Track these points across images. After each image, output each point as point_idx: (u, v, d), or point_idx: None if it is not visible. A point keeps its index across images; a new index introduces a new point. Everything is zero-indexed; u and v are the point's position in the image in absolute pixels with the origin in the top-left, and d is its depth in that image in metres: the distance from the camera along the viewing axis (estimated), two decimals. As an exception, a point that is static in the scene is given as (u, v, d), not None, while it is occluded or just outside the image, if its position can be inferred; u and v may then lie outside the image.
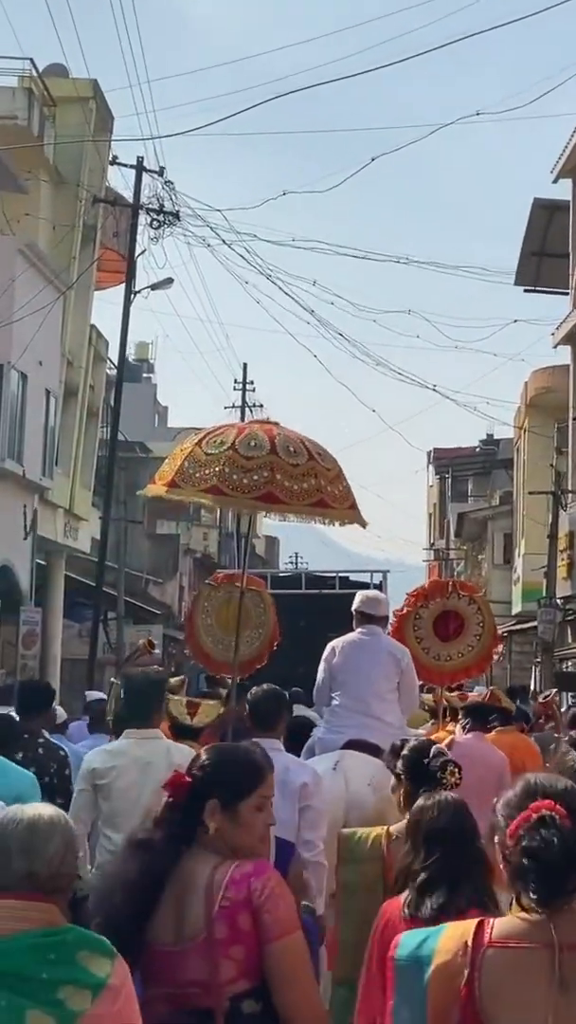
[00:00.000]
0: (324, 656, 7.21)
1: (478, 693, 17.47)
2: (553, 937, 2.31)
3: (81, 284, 23.08)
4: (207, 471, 6.31)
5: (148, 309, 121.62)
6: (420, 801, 3.62)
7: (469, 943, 2.36)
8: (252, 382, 40.47)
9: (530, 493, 25.14)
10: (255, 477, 6.28)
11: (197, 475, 6.33)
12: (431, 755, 4.12)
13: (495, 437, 49.06)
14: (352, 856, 4.28)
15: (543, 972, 2.31)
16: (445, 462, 48.24)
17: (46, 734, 6.64)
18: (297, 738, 6.88)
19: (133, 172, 18.94)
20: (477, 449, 49.04)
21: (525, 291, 29.48)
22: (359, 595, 7.49)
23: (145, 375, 61.37)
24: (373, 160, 15.18)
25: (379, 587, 11.78)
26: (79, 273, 22.30)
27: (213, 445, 6.38)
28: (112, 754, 5.31)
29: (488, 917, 2.51)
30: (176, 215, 17.71)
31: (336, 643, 7.20)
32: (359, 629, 7.21)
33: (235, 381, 40.75)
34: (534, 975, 2.32)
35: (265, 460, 6.30)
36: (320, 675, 7.25)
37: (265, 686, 5.69)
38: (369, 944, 3.49)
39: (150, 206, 17.77)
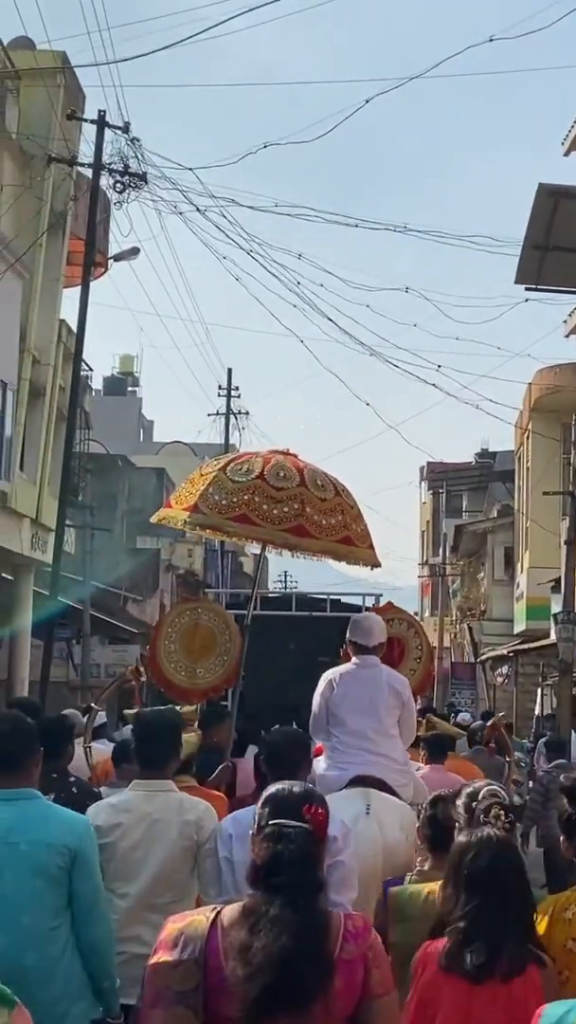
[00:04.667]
0: (320, 690, 6.79)
1: (469, 718, 16.09)
2: None
3: (49, 277, 21.42)
4: (235, 498, 6.36)
5: (125, 308, 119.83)
6: (461, 838, 3.50)
7: None
8: (237, 388, 38.79)
9: (544, 493, 23.31)
10: (285, 509, 6.36)
11: (224, 502, 6.38)
12: (479, 798, 3.94)
13: (491, 450, 47.81)
14: (404, 915, 4.11)
15: None
16: (439, 476, 46.65)
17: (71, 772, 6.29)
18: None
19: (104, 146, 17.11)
20: (473, 463, 47.66)
21: (527, 290, 27.73)
22: (351, 623, 7.06)
23: (130, 389, 60.12)
24: (368, 102, 13.46)
25: (371, 610, 10.96)
26: (46, 263, 20.57)
27: (239, 472, 6.48)
28: (117, 810, 4.93)
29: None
30: (143, 176, 15.96)
31: (332, 676, 6.80)
32: (355, 660, 6.83)
33: (219, 387, 39.07)
34: None
35: (295, 492, 6.40)
36: (316, 709, 6.79)
37: (286, 729, 5.30)
38: (410, 985, 3.40)
39: (114, 166, 16.01)
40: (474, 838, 3.47)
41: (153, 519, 7.72)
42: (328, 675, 6.87)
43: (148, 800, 4.90)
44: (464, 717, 17.34)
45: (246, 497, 6.40)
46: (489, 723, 11.05)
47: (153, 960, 2.95)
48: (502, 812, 3.83)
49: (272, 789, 3.16)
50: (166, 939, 2.96)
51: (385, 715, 6.65)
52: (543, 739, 15.97)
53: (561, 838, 4.05)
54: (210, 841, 4.77)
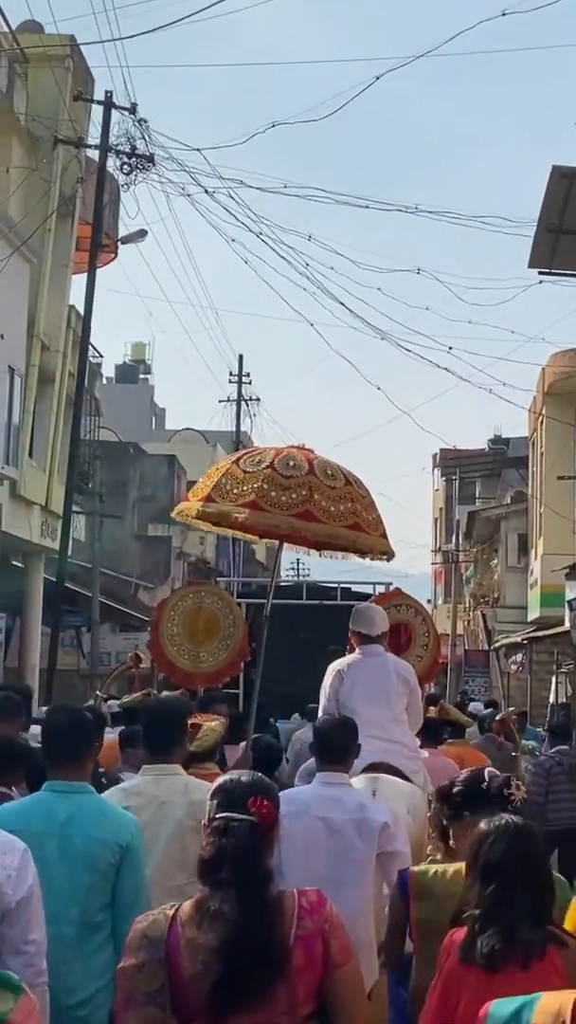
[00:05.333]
0: (328, 682, 6.91)
1: (481, 707, 16.04)
2: None
3: (58, 263, 21.29)
4: (245, 487, 6.56)
5: (135, 295, 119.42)
6: (481, 826, 3.49)
7: (567, 1022, 2.28)
8: (248, 374, 38.57)
9: (559, 478, 23.03)
10: (293, 495, 6.51)
11: (235, 491, 6.58)
12: (487, 779, 4.09)
13: (504, 436, 47.52)
14: (427, 892, 4.10)
15: None
16: (452, 463, 46.37)
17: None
18: (267, 762, 6.90)
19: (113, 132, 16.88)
20: (486, 449, 47.36)
21: (540, 274, 27.40)
22: (354, 613, 7.22)
23: (142, 376, 59.96)
24: (378, 79, 13.25)
25: (380, 597, 11.13)
26: (54, 248, 20.42)
27: (251, 464, 6.68)
28: (127, 793, 5.01)
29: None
30: (150, 158, 15.75)
31: (340, 666, 6.93)
32: (359, 650, 6.98)
33: (230, 374, 38.86)
34: None
35: (303, 480, 6.55)
36: (326, 701, 6.89)
37: (337, 715, 5.53)
38: (436, 973, 3.41)
39: (121, 148, 15.79)
40: (492, 825, 3.45)
41: (173, 514, 7.82)
42: (335, 666, 6.94)
43: (156, 783, 4.99)
44: (476, 707, 17.20)
45: (256, 485, 6.57)
46: (498, 718, 11.16)
47: (120, 964, 3.04)
48: (519, 783, 4.01)
49: (220, 780, 3.24)
50: (130, 942, 3.04)
51: (395, 702, 6.74)
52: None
53: None
54: None
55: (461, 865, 3.89)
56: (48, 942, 3.92)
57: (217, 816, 3.06)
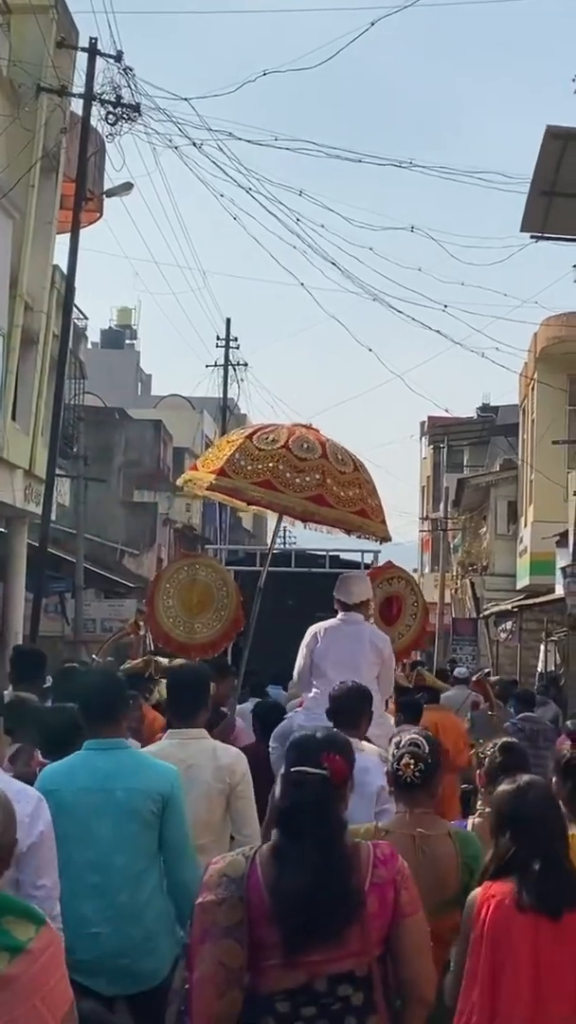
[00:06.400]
0: (305, 642, 7.18)
1: (466, 672, 16.01)
2: None
3: (42, 220, 20.73)
4: (259, 465, 6.78)
5: (122, 255, 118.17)
6: (505, 785, 3.73)
7: None
8: (236, 339, 38.08)
9: (553, 443, 22.72)
10: (307, 479, 6.78)
11: (248, 467, 6.79)
12: (400, 746, 4.36)
13: (493, 404, 47.21)
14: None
15: None
16: (440, 431, 46.07)
17: None
18: (269, 722, 7.36)
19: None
20: (475, 417, 47.04)
21: (533, 238, 26.97)
22: (337, 582, 7.44)
23: (128, 342, 59.48)
24: (373, 24, 12.86)
25: (369, 566, 11.60)
26: (38, 205, 19.89)
27: (265, 441, 6.89)
28: (153, 757, 5.07)
29: None
30: (136, 108, 15.28)
31: (317, 629, 7.18)
32: (340, 616, 7.22)
33: (218, 338, 38.35)
34: None
35: (317, 463, 6.82)
36: (300, 661, 7.18)
37: (351, 682, 5.71)
38: (472, 931, 3.54)
39: (105, 97, 15.32)
40: (516, 784, 3.69)
41: (179, 481, 7.98)
42: (313, 629, 7.22)
43: (183, 748, 5.15)
44: (461, 671, 17.04)
45: (271, 464, 6.75)
46: (474, 678, 11.39)
47: (199, 900, 3.20)
48: (412, 762, 4.26)
49: (297, 735, 3.40)
50: (209, 880, 3.20)
51: (365, 670, 6.90)
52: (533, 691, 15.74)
53: (553, 779, 4.24)
54: (242, 784, 5.19)
55: (371, 825, 4.32)
56: (95, 891, 4.32)
57: (292, 770, 3.23)
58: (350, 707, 5.53)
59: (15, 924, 2.66)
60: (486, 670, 12.99)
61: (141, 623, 11.46)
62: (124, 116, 15.38)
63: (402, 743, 4.38)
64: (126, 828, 4.48)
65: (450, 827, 4.43)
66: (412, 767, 4.28)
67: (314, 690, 7.00)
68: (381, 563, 12.79)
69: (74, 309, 25.12)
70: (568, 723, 5.38)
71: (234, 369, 37.91)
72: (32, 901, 3.51)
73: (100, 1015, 3.75)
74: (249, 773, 5.29)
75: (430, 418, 50.81)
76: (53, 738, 5.28)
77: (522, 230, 26.18)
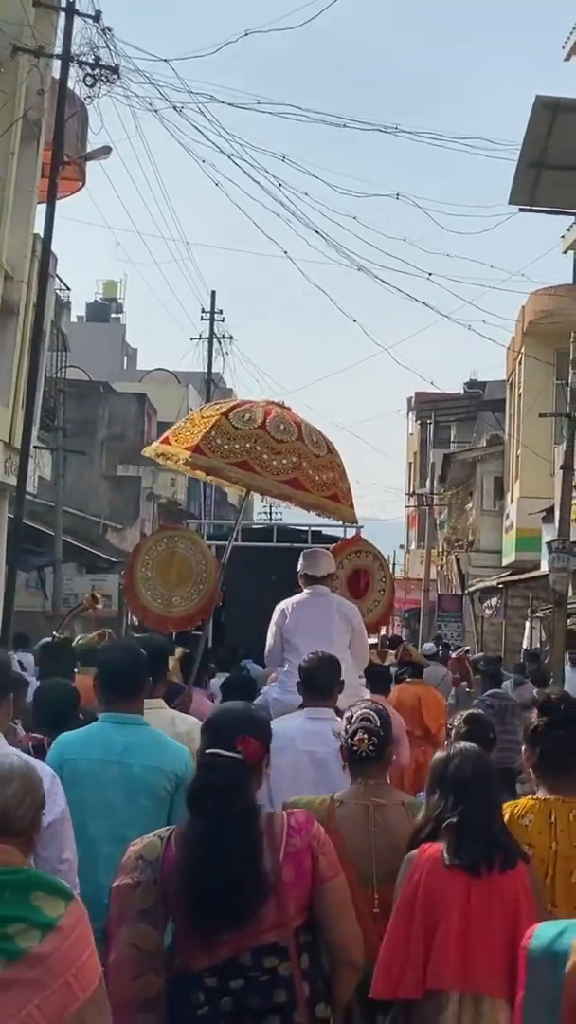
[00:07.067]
0: (274, 619, 7.21)
1: (432, 648, 16.04)
2: None
3: (22, 188, 20.30)
4: (236, 445, 6.77)
5: (104, 225, 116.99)
6: (439, 753, 3.97)
7: None
8: (220, 311, 37.71)
9: (540, 415, 22.49)
10: (284, 461, 6.76)
11: (225, 447, 6.78)
12: (352, 720, 4.46)
13: (480, 379, 47.02)
14: None
15: None
16: (427, 407, 45.85)
17: None
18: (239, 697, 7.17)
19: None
20: (462, 393, 46.85)
21: (521, 211, 26.62)
22: (302, 556, 7.47)
23: (114, 315, 59.01)
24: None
25: (343, 541, 11.32)
26: (18, 172, 19.50)
27: (242, 420, 6.87)
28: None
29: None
30: (115, 69, 14.92)
31: (285, 605, 7.25)
32: (307, 590, 7.24)
33: (202, 311, 37.98)
34: None
35: (294, 446, 6.82)
36: (271, 637, 7.19)
37: (321, 652, 5.72)
38: (404, 889, 3.68)
39: (84, 58, 14.94)
40: (454, 751, 3.89)
41: (148, 452, 7.86)
42: (281, 605, 7.23)
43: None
44: (428, 647, 16.94)
45: (248, 445, 6.73)
46: (454, 655, 11.43)
47: (115, 883, 3.25)
48: (365, 736, 4.37)
49: (212, 714, 3.45)
50: (126, 863, 3.26)
51: (336, 640, 6.89)
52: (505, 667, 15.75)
53: (523, 748, 4.33)
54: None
55: (326, 796, 4.43)
56: (108, 862, 4.18)
57: (206, 752, 3.25)
58: (323, 679, 5.53)
59: (45, 900, 2.67)
60: (466, 648, 13.03)
61: (98, 596, 12.01)
62: (103, 78, 15.02)
63: (354, 718, 4.50)
64: (140, 803, 4.55)
65: (403, 797, 4.55)
66: (366, 741, 4.41)
67: (287, 664, 7.02)
68: (365, 538, 13.05)
69: (56, 279, 24.80)
70: (535, 692, 5.43)
71: (219, 342, 37.58)
72: (58, 876, 3.50)
73: None
74: None
75: (417, 394, 50.60)
76: (49, 713, 5.30)
77: (510, 202, 25.83)
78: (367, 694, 7.27)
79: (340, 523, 8.26)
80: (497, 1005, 3.58)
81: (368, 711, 4.50)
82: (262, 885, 3.13)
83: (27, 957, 2.59)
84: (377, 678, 8.63)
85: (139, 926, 3.13)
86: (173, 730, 5.19)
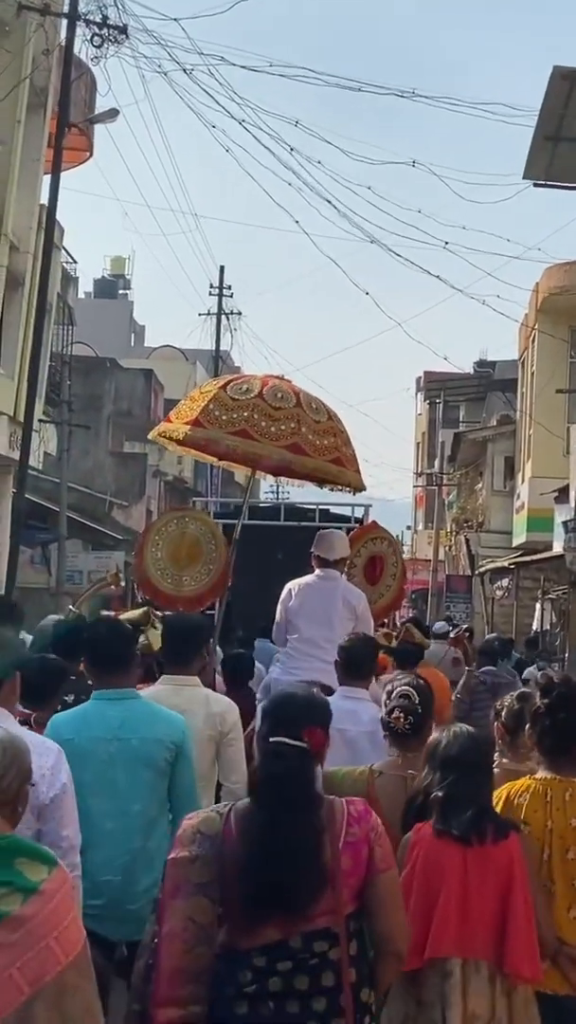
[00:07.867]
0: (281, 598, 7.28)
1: (444, 627, 15.93)
2: None
3: (28, 157, 19.98)
4: (235, 415, 6.77)
5: (111, 196, 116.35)
6: (435, 733, 4.16)
7: None
8: (229, 287, 37.29)
9: (557, 391, 22.09)
10: (282, 427, 6.75)
11: (224, 417, 6.78)
12: (391, 694, 4.62)
13: (490, 359, 46.59)
14: (336, 792, 4.11)
15: None
16: (436, 386, 45.45)
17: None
18: (240, 673, 7.74)
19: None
20: (471, 372, 46.45)
21: (535, 185, 26.15)
22: (316, 537, 7.49)
23: (121, 292, 58.68)
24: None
25: (360, 521, 11.82)
26: (25, 140, 19.18)
27: (239, 391, 6.89)
28: None
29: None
30: (123, 29, 14.55)
31: (293, 585, 7.31)
32: (317, 572, 7.30)
33: (211, 286, 37.57)
34: None
35: (292, 412, 6.81)
36: (277, 617, 7.29)
37: (360, 633, 5.89)
38: (406, 869, 3.81)
39: (91, 17, 14.58)
40: (447, 731, 4.07)
41: (151, 435, 7.90)
42: (289, 585, 7.30)
43: (176, 693, 5.23)
44: (439, 626, 16.68)
45: (245, 414, 6.71)
46: (452, 635, 11.55)
47: (172, 855, 3.22)
48: (402, 715, 4.52)
49: (277, 698, 3.42)
50: (183, 836, 3.23)
51: (338, 625, 6.93)
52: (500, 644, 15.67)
53: (496, 723, 4.65)
54: (232, 732, 5.30)
55: (365, 768, 4.60)
56: (109, 838, 4.42)
57: (271, 740, 3.24)
58: (361, 659, 5.61)
59: (27, 865, 2.73)
60: (465, 627, 13.29)
61: (121, 574, 11.46)
62: (110, 38, 14.66)
63: (393, 694, 4.59)
64: (141, 776, 4.60)
65: None
66: (403, 720, 4.53)
67: (289, 644, 7.09)
68: (371, 518, 12.86)
69: (63, 252, 24.41)
70: (535, 671, 5.45)
71: (227, 318, 37.19)
72: (58, 852, 3.47)
73: (99, 966, 3.63)
74: (240, 722, 5.40)
75: (426, 373, 50.21)
76: (37, 688, 5.33)
77: (525, 176, 25.34)
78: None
79: (347, 489, 7.97)
80: (494, 970, 3.76)
81: (408, 688, 4.59)
82: (321, 876, 3.17)
83: (9, 920, 2.62)
84: (408, 655, 8.58)
85: (195, 899, 3.14)
86: (207, 709, 5.28)
